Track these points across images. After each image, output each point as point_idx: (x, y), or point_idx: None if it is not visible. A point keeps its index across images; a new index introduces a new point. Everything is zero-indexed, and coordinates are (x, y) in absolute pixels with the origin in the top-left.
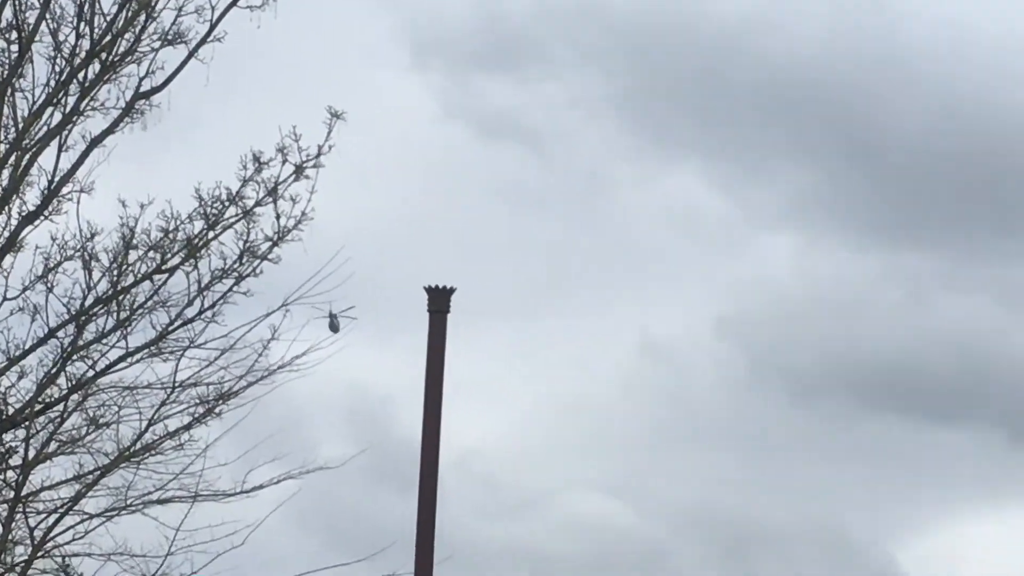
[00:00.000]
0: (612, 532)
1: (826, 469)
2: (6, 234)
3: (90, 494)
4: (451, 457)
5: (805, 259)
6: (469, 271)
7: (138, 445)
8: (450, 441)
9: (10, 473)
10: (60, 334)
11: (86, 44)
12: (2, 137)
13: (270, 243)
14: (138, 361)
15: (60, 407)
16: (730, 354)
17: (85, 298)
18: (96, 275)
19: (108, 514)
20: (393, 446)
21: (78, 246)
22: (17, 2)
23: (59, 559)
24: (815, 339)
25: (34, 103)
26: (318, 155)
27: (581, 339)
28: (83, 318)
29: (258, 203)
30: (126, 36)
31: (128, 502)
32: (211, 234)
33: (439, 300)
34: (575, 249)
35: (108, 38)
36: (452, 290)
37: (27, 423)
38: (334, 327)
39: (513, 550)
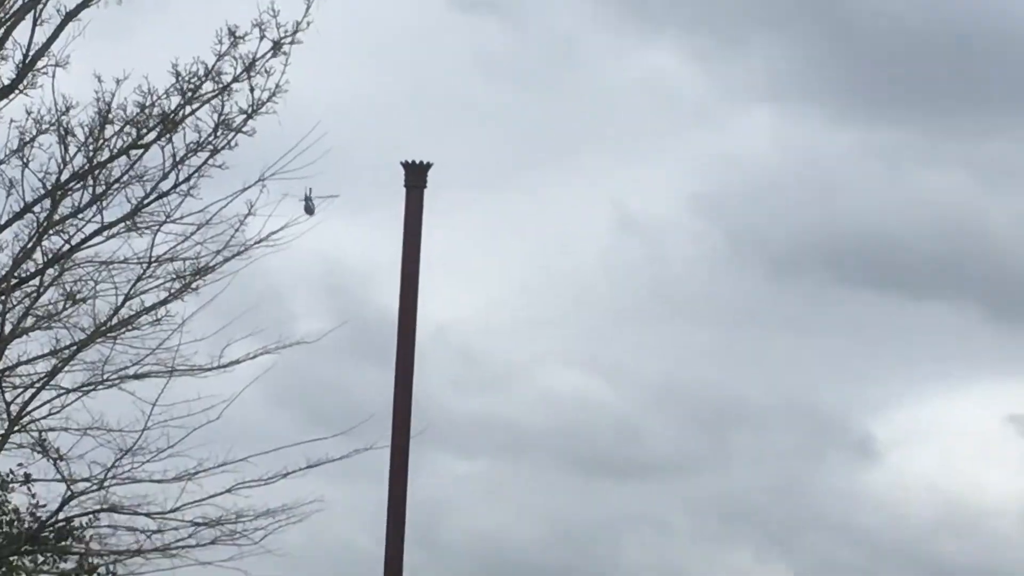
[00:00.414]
0: (588, 406)
1: (802, 344)
2: None
3: (66, 369)
4: (428, 331)
5: (782, 134)
6: (445, 146)
7: (114, 320)
8: (427, 315)
9: None
10: (36, 208)
11: None
12: None
13: (245, 116)
14: (114, 236)
15: (36, 281)
16: (706, 229)
17: (61, 172)
18: (72, 150)
19: (84, 389)
20: (370, 321)
21: (53, 120)
22: None
23: (35, 433)
24: (792, 214)
25: None
26: (295, 31)
27: (558, 214)
28: (59, 192)
29: (235, 79)
30: None
31: (104, 377)
32: (187, 109)
33: (416, 175)
34: (551, 123)
35: None
36: (429, 165)
37: (3, 297)
38: (309, 209)
39: (489, 423)
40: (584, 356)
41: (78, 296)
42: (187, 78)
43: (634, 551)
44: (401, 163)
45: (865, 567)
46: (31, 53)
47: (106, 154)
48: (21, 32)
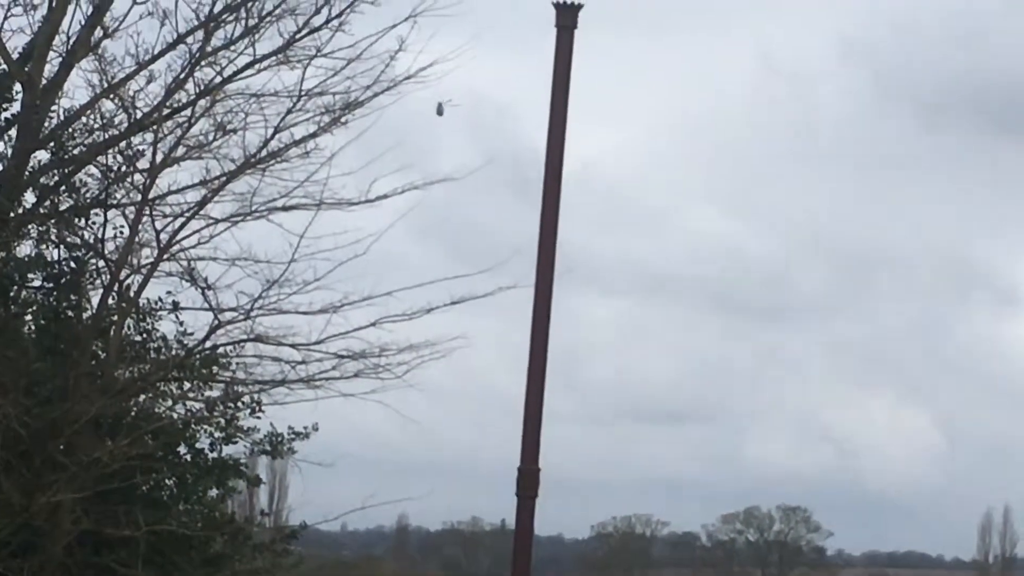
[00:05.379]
0: (732, 252)
1: (951, 193)
2: None
3: (216, 199)
4: (574, 172)
5: None
6: None
7: (264, 152)
8: (573, 156)
9: (138, 176)
10: (189, 40)
11: None
12: None
13: None
14: (265, 69)
15: (188, 112)
16: (855, 74)
17: (214, 4)
18: None
19: (233, 219)
20: (516, 159)
21: None
22: None
23: (184, 262)
24: (944, 61)
25: None
26: None
27: (705, 57)
28: (212, 24)
29: None
30: None
31: (253, 208)
32: None
33: (567, 16)
34: None
35: None
36: (580, 6)
37: (155, 127)
38: (440, 112)
39: (633, 265)
40: (728, 199)
41: (228, 127)
42: None
43: (772, 392)
44: (552, 3)
45: (1005, 415)
46: None
47: None
48: None
